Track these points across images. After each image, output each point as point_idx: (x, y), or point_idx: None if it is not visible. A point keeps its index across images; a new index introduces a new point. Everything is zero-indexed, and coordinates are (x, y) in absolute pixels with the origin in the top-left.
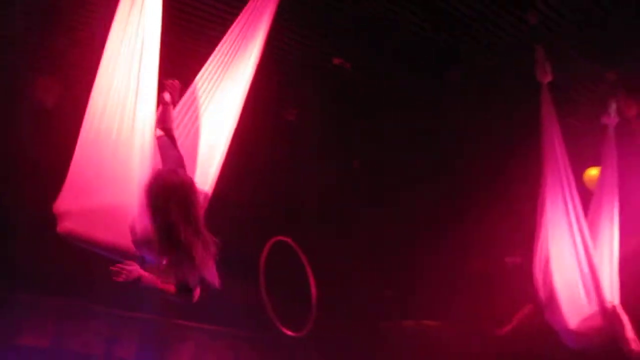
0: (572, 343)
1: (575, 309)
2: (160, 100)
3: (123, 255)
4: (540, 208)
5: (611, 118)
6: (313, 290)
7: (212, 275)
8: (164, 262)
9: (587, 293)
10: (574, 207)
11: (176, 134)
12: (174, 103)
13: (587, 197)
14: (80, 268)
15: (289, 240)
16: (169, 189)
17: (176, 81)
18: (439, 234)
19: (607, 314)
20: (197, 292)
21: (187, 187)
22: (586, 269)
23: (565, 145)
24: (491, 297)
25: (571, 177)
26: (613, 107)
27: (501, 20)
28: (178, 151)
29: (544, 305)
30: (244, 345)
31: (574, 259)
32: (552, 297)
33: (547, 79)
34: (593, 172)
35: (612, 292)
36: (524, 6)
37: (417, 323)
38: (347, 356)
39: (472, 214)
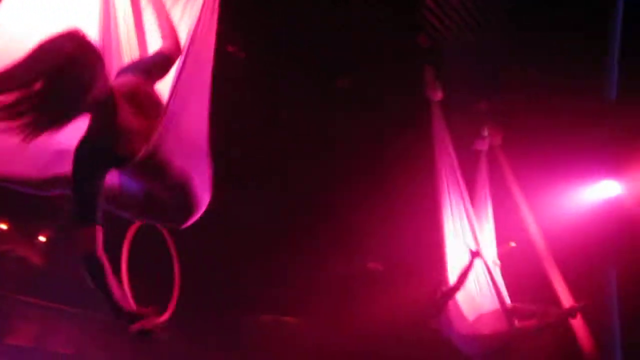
0: (467, 347)
1: (473, 310)
2: None
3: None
4: (436, 212)
5: (483, 144)
6: (177, 278)
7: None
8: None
9: (484, 294)
10: (467, 210)
11: None
12: None
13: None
14: None
15: (157, 225)
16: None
17: None
18: (306, 234)
19: (508, 313)
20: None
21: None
22: (481, 269)
23: (457, 157)
24: (351, 299)
25: (464, 188)
26: (485, 133)
27: (395, 39)
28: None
29: (439, 310)
30: (93, 327)
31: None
32: (449, 301)
33: (437, 97)
34: None
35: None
36: (417, 29)
37: (276, 319)
38: (203, 347)
39: (341, 217)
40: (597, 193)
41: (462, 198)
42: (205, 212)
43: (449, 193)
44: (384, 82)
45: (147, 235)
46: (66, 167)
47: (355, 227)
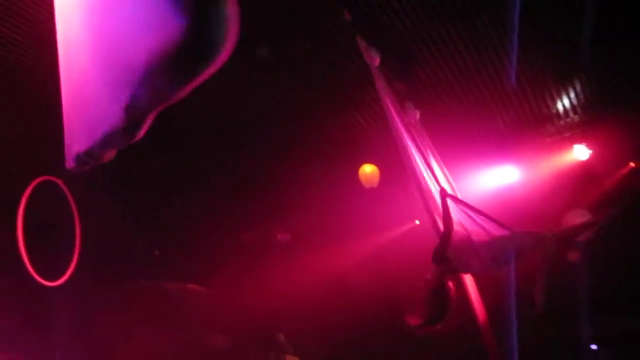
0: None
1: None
2: None
3: None
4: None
5: (411, 117)
6: (77, 238)
7: None
8: None
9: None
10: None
11: None
12: None
13: None
14: None
15: (59, 182)
16: None
17: None
18: (215, 203)
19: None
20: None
21: None
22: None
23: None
24: (257, 269)
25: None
26: (410, 108)
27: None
28: None
29: (443, 256)
30: None
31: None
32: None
33: (376, 62)
34: (367, 169)
35: None
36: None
37: (180, 286)
38: (103, 311)
39: (253, 188)
40: (497, 178)
41: (419, 149)
42: (112, 174)
43: (407, 146)
44: (303, 52)
45: (46, 194)
46: None
47: (266, 197)
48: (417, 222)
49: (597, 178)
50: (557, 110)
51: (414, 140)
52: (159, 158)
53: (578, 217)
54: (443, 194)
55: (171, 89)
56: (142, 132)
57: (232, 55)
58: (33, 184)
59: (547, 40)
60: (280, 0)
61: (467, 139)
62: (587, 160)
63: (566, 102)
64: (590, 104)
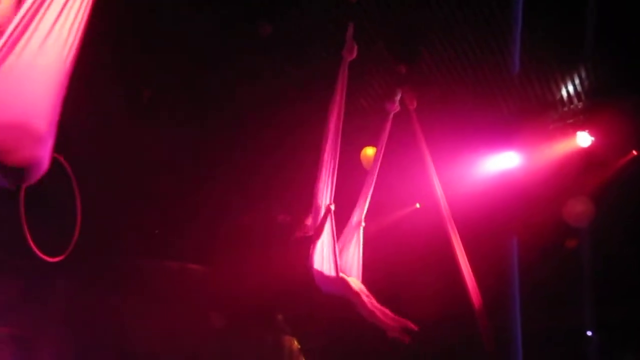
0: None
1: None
2: None
3: None
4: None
5: (394, 106)
6: (78, 216)
7: None
8: None
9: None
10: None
11: None
12: None
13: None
14: None
15: (60, 157)
16: None
17: None
18: (218, 184)
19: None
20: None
21: None
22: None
23: (342, 120)
24: (258, 251)
25: (337, 150)
26: (398, 97)
27: None
28: None
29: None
30: None
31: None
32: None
33: (351, 57)
34: (369, 152)
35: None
36: None
37: (180, 265)
38: (106, 291)
39: (254, 170)
40: (499, 163)
41: (334, 157)
42: (115, 156)
43: (330, 150)
44: (304, 34)
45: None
46: None
47: (266, 179)
48: (418, 205)
49: (599, 165)
50: (561, 97)
51: (335, 143)
52: (161, 139)
53: (579, 205)
54: (327, 210)
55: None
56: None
57: (231, 34)
58: None
59: (551, 28)
60: None
61: (471, 124)
62: (590, 147)
63: (570, 89)
64: (593, 92)
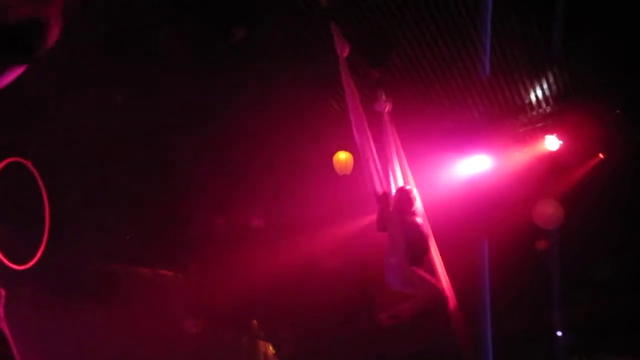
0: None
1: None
2: None
3: None
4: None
5: (384, 105)
6: (46, 222)
7: None
8: None
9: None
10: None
11: None
12: None
13: None
14: None
15: (27, 163)
16: None
17: None
18: (191, 189)
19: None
20: None
21: None
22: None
23: (362, 110)
24: (232, 256)
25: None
26: (382, 96)
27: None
28: None
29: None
30: None
31: None
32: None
33: (345, 53)
34: (342, 156)
35: None
36: None
37: (153, 271)
38: (73, 296)
39: (227, 174)
40: (470, 166)
41: (371, 149)
42: (85, 160)
43: (364, 142)
44: (279, 39)
45: (13, 174)
46: None
47: (239, 183)
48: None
49: (567, 168)
50: (530, 101)
51: (379, 135)
52: (133, 140)
53: (548, 208)
54: (381, 199)
55: None
56: None
57: (208, 37)
58: (0, 165)
59: (520, 32)
60: None
61: (440, 128)
62: (558, 151)
63: (539, 93)
64: (562, 96)
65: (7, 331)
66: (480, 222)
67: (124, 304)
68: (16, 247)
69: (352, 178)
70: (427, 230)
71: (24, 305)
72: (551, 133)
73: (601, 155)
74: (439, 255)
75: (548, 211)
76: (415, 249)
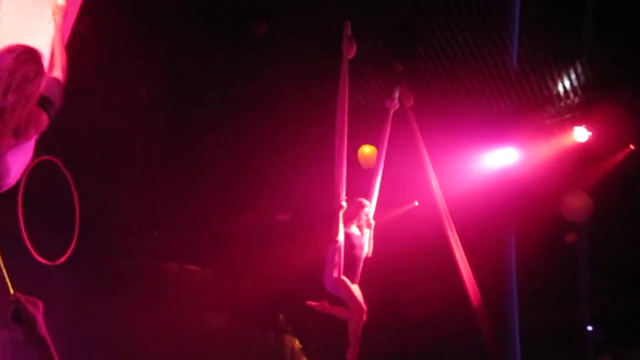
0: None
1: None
2: None
3: None
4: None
5: (393, 104)
6: (77, 219)
7: None
8: None
9: None
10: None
11: None
12: None
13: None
14: None
15: (57, 161)
16: None
17: None
18: (216, 185)
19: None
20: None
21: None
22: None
23: (347, 116)
24: (258, 251)
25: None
26: (396, 94)
27: None
28: None
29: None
30: None
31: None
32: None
33: (350, 55)
34: (367, 150)
35: None
36: None
37: (180, 267)
38: (103, 292)
39: (251, 169)
40: (497, 159)
41: (342, 155)
42: (112, 158)
43: (339, 147)
44: (300, 34)
45: (44, 172)
46: None
47: (265, 179)
48: (416, 203)
49: (596, 160)
50: (558, 92)
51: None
52: (159, 140)
53: (577, 200)
54: (339, 207)
55: None
56: None
57: (229, 31)
58: (32, 163)
59: (548, 22)
60: None
61: (468, 121)
62: (587, 142)
63: (567, 83)
64: (590, 86)
65: (47, 336)
66: (507, 216)
67: (152, 299)
68: (48, 244)
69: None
70: (363, 244)
71: (57, 299)
72: (580, 124)
73: (632, 147)
74: (462, 251)
75: (577, 203)
76: (348, 260)
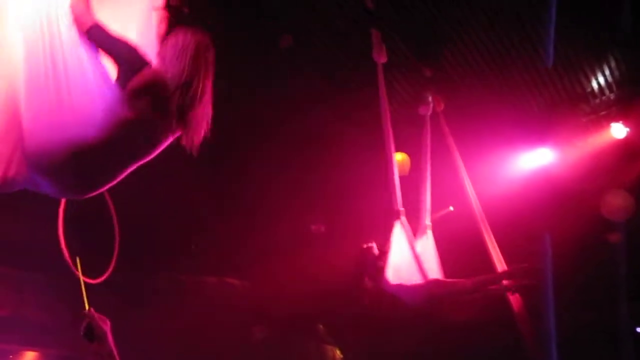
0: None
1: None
2: None
3: None
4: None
5: (428, 109)
6: (116, 235)
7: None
8: None
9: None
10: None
11: None
12: None
13: None
14: None
15: None
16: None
17: None
18: (250, 198)
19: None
20: None
21: None
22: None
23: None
24: (295, 262)
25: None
26: (429, 100)
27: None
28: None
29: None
30: (29, 287)
31: None
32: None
33: (382, 60)
34: (397, 158)
35: None
36: None
37: (219, 280)
38: (144, 308)
39: (283, 181)
40: (532, 160)
41: (392, 160)
42: (149, 174)
43: (390, 153)
44: (328, 45)
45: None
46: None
47: (299, 190)
48: (451, 208)
49: (636, 156)
50: (592, 89)
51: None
52: (193, 155)
53: (616, 199)
54: (395, 215)
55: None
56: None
57: (258, 50)
58: None
59: (580, 16)
60: None
61: (500, 122)
62: (625, 139)
63: (601, 79)
64: (626, 81)
65: (116, 353)
66: (544, 217)
67: (193, 312)
68: (89, 261)
69: (409, 179)
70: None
71: (100, 313)
72: (617, 121)
73: None
74: (499, 254)
75: (617, 202)
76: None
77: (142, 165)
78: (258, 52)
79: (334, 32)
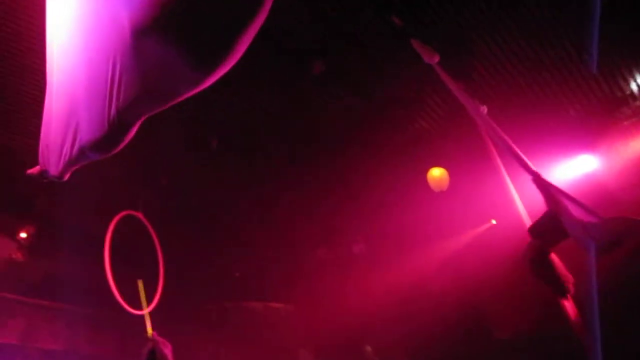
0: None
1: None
2: None
3: None
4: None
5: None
6: (161, 267)
7: None
8: None
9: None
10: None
11: None
12: None
13: None
14: None
15: (139, 215)
16: None
17: None
18: (289, 222)
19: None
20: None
21: None
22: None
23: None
24: (338, 283)
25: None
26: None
27: (371, 25)
28: None
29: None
30: (79, 322)
31: None
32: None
33: (436, 59)
34: (436, 173)
35: None
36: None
37: (264, 305)
38: (191, 334)
39: (319, 203)
40: (575, 168)
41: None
42: (195, 202)
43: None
44: (362, 64)
45: (127, 226)
46: None
47: (337, 211)
48: (494, 221)
49: None
50: (631, 91)
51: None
52: (231, 183)
53: None
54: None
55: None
56: (123, 142)
57: (287, 71)
58: (116, 218)
59: (616, 18)
60: (327, 15)
61: (539, 131)
62: None
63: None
64: None
65: None
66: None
67: (240, 338)
68: (135, 293)
69: (448, 194)
70: None
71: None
72: None
73: None
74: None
75: None
76: None
77: (184, 199)
78: (286, 80)
79: (364, 52)
